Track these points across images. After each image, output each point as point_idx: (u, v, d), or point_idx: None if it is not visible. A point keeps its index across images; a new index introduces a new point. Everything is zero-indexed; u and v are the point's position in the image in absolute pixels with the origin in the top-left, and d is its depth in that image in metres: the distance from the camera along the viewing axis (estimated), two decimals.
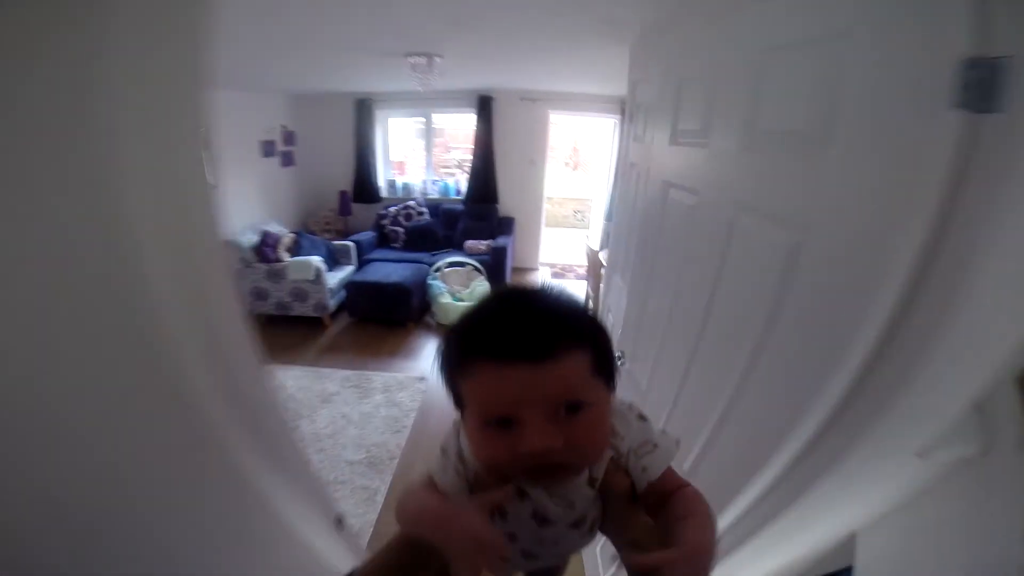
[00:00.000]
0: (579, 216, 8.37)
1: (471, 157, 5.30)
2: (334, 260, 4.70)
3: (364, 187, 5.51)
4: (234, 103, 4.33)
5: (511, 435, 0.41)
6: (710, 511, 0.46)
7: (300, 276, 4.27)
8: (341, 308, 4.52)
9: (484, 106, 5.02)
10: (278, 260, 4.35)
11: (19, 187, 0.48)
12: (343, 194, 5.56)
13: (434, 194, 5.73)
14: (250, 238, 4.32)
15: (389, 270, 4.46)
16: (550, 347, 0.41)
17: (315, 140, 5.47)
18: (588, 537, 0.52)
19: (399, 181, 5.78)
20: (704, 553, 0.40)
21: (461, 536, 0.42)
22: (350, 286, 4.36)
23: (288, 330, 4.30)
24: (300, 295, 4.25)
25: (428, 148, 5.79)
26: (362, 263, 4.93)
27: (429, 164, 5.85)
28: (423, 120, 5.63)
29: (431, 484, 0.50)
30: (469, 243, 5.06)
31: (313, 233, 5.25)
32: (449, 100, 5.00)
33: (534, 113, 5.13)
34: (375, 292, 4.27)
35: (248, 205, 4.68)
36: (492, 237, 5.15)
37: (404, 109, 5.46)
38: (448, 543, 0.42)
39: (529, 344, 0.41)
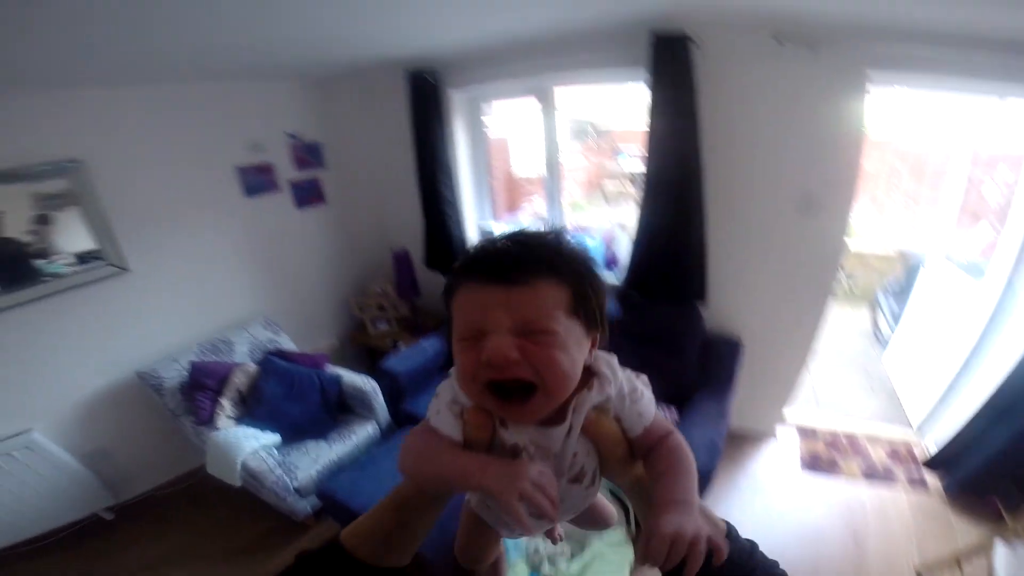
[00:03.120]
0: (852, 283, 4.45)
1: (641, 191, 2.28)
2: (328, 415, 2.37)
3: (439, 243, 2.94)
4: (190, 100, 2.31)
5: (479, 347, 0.44)
6: (689, 461, 0.49)
7: (217, 472, 2.10)
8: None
9: (668, 58, 1.89)
10: (212, 419, 2.20)
11: None
12: (399, 258, 3.09)
13: None
14: (177, 370, 2.28)
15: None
16: (525, 275, 0.45)
17: (358, 156, 3.12)
18: (592, 489, 0.54)
19: (503, 232, 2.91)
20: (688, 493, 0.46)
21: (508, 481, 0.43)
22: (327, 498, 1.98)
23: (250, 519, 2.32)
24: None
25: (551, 168, 2.74)
26: (398, 421, 2.51)
27: (552, 192, 2.81)
28: (535, 97, 2.60)
29: (431, 431, 0.51)
30: None
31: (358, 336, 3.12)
32: (588, 45, 2.13)
33: (816, 77, 1.81)
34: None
35: (218, 292, 2.62)
36: (681, 387, 2.23)
37: (496, 81, 2.54)
38: (494, 489, 0.44)
39: (506, 269, 0.45)
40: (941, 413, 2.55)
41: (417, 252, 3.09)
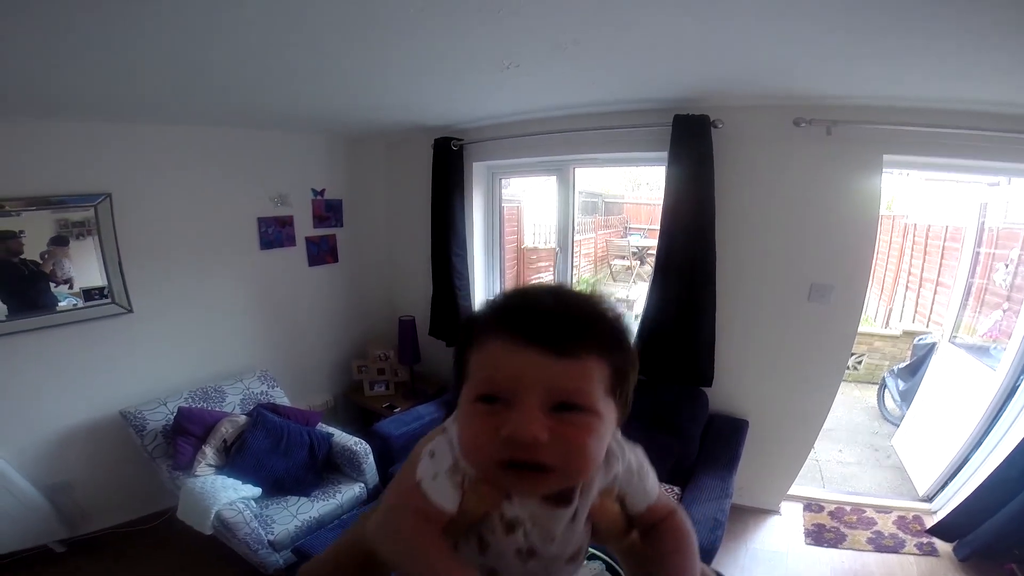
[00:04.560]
0: (857, 363, 4.44)
1: (652, 269, 2.35)
2: (314, 473, 2.28)
3: (445, 312, 2.90)
4: (220, 143, 2.41)
5: (500, 415, 0.38)
6: (693, 540, 0.48)
7: (188, 518, 2.00)
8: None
9: (688, 139, 1.99)
10: (191, 465, 2.13)
11: None
12: (404, 325, 3.02)
13: None
14: (163, 414, 2.24)
15: None
16: (576, 345, 0.38)
17: (376, 218, 3.19)
18: (577, 563, 0.50)
19: None
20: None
21: None
22: (303, 554, 1.84)
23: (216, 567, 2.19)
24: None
25: (563, 244, 2.79)
26: (385, 484, 2.41)
27: (564, 271, 2.84)
28: (556, 177, 2.69)
29: (420, 503, 0.43)
30: None
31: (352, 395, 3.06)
32: (618, 128, 2.18)
33: (833, 157, 1.90)
34: None
35: (217, 341, 2.60)
36: (684, 466, 2.16)
37: (517, 157, 2.65)
38: None
39: (556, 335, 0.38)
40: (950, 484, 2.50)
41: (422, 319, 3.05)
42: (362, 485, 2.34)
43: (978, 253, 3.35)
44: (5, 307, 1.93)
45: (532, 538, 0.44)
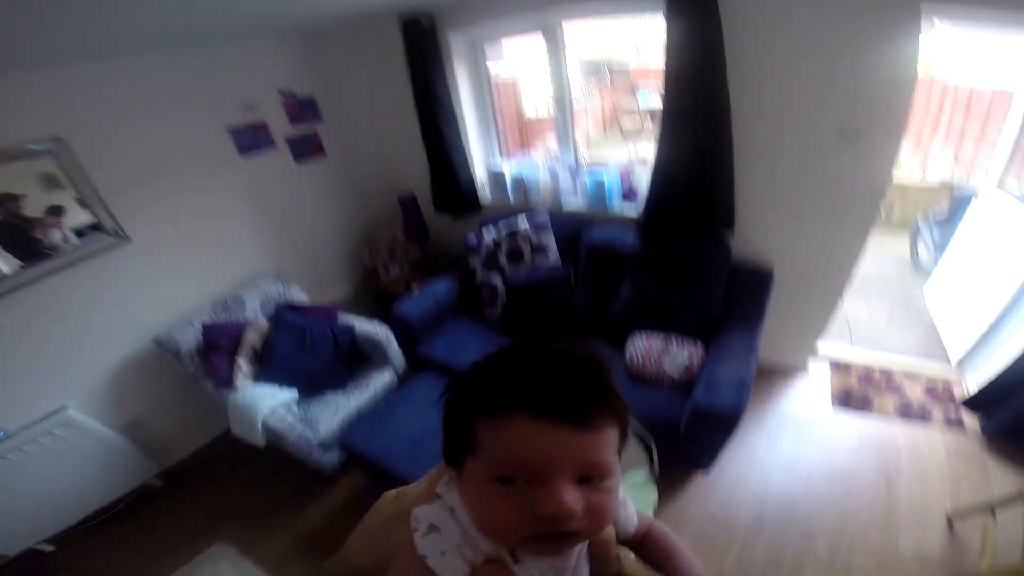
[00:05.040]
0: (891, 212, 4.27)
1: (660, 123, 2.11)
2: (343, 365, 2.36)
3: (446, 185, 2.87)
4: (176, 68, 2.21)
5: (524, 494, 0.38)
6: (679, 542, 0.54)
7: (241, 433, 2.13)
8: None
9: None
10: (231, 379, 2.19)
11: None
12: (406, 203, 3.01)
13: (576, 201, 2.75)
14: (193, 334, 2.27)
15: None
16: (597, 419, 0.40)
17: (355, 107, 3.02)
18: None
19: (512, 172, 2.82)
20: None
21: None
22: (349, 450, 2.04)
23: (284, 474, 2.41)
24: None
25: (561, 107, 2.61)
26: (414, 366, 2.50)
27: (564, 132, 2.69)
28: (544, 36, 2.42)
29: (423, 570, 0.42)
30: (639, 342, 2.11)
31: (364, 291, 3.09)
32: None
33: (866, 10, 1.58)
34: (390, 485, 1.73)
35: (224, 252, 2.59)
36: (707, 320, 2.14)
37: (497, 19, 2.35)
38: None
39: (578, 408, 0.39)
40: (984, 351, 2.39)
41: (424, 196, 3.05)
42: (391, 371, 2.42)
43: None
44: (17, 261, 1.91)
45: (539, 572, 0.45)
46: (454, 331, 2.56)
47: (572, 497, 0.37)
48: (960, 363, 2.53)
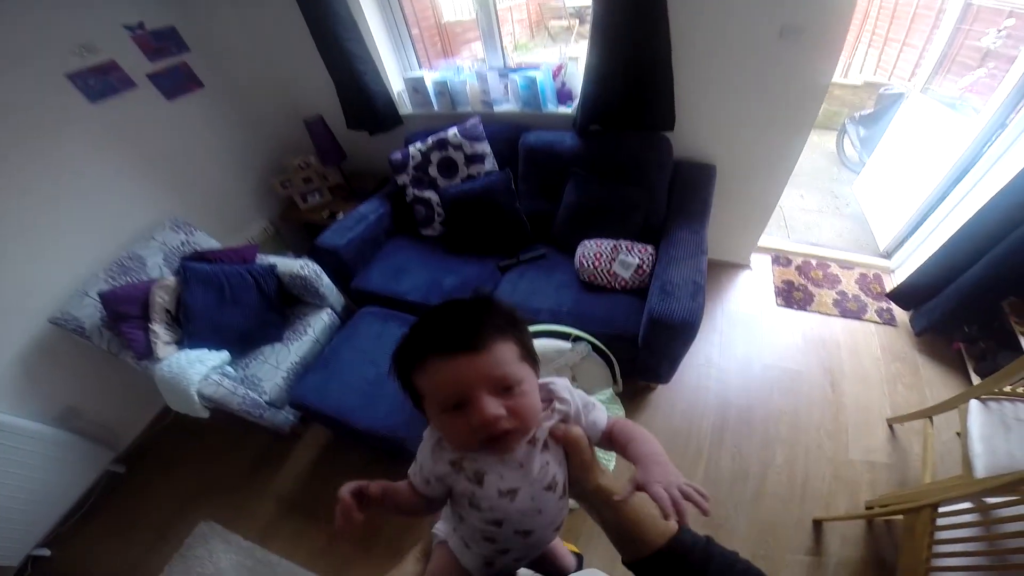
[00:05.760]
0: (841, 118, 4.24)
1: (591, 24, 1.84)
2: (274, 312, 2.15)
3: (358, 101, 2.51)
4: None
5: (466, 414, 0.50)
6: (641, 429, 0.58)
7: (179, 407, 1.92)
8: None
9: None
10: (151, 351, 1.94)
11: None
12: (313, 126, 2.65)
13: (508, 104, 2.48)
14: (92, 305, 1.97)
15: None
16: (484, 340, 0.50)
17: (229, 30, 2.53)
18: (564, 501, 0.59)
19: (434, 78, 2.49)
20: (658, 455, 0.52)
21: None
22: (301, 407, 1.86)
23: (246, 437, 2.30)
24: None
25: (484, 9, 2.28)
26: (354, 300, 2.35)
27: (489, 32, 2.36)
28: None
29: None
30: (588, 247, 2.02)
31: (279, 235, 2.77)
32: None
33: None
34: (354, 438, 1.94)
35: (105, 209, 2.18)
36: (654, 221, 2.12)
37: None
38: None
39: (467, 339, 0.50)
40: (910, 241, 2.55)
41: (334, 115, 2.70)
42: (329, 310, 2.24)
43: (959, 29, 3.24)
44: None
45: (508, 480, 0.55)
46: (392, 256, 2.38)
47: (492, 405, 0.49)
48: (889, 254, 2.71)
